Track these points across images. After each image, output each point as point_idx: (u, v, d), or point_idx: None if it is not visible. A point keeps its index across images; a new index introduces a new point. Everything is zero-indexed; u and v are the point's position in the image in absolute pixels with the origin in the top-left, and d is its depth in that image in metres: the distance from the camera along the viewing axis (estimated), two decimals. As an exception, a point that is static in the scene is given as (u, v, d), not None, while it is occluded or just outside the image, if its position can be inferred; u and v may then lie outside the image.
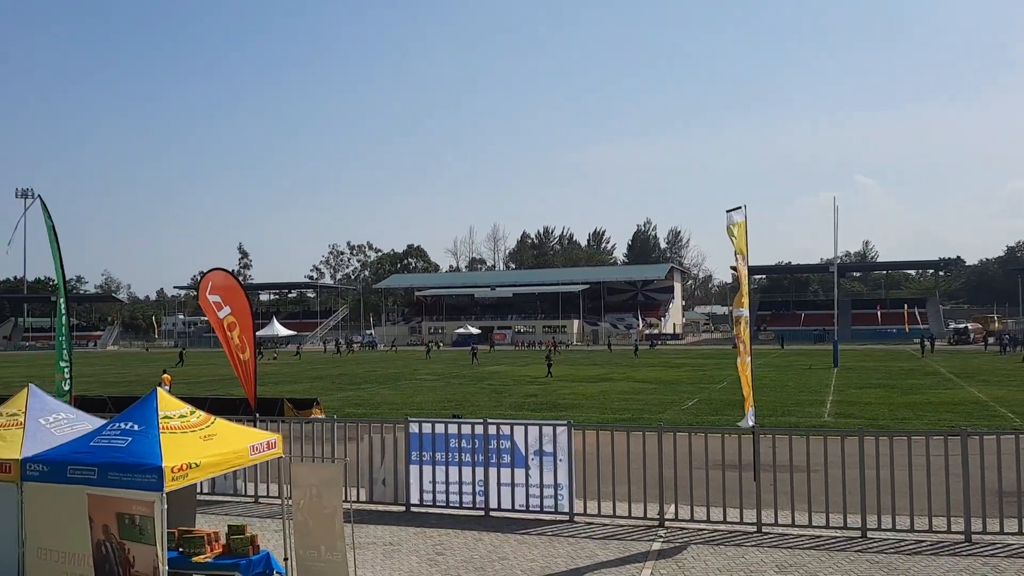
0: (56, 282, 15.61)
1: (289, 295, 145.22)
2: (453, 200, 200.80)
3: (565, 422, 12.99)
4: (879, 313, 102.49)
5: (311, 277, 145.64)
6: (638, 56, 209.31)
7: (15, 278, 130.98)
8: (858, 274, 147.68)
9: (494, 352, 76.23)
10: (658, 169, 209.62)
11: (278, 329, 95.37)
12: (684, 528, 11.94)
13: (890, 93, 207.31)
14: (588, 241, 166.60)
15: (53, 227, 14.92)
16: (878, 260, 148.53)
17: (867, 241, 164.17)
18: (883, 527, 11.35)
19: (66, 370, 14.86)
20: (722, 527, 11.86)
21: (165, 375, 34.36)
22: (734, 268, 12.23)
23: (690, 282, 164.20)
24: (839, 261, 68.47)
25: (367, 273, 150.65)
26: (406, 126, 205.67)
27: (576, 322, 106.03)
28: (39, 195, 15.12)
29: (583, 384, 38.51)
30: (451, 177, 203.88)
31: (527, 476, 12.78)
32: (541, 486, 12.69)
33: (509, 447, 12.92)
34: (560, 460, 12.62)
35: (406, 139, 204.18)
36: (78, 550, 7.55)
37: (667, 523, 12.10)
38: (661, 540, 11.41)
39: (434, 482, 13.25)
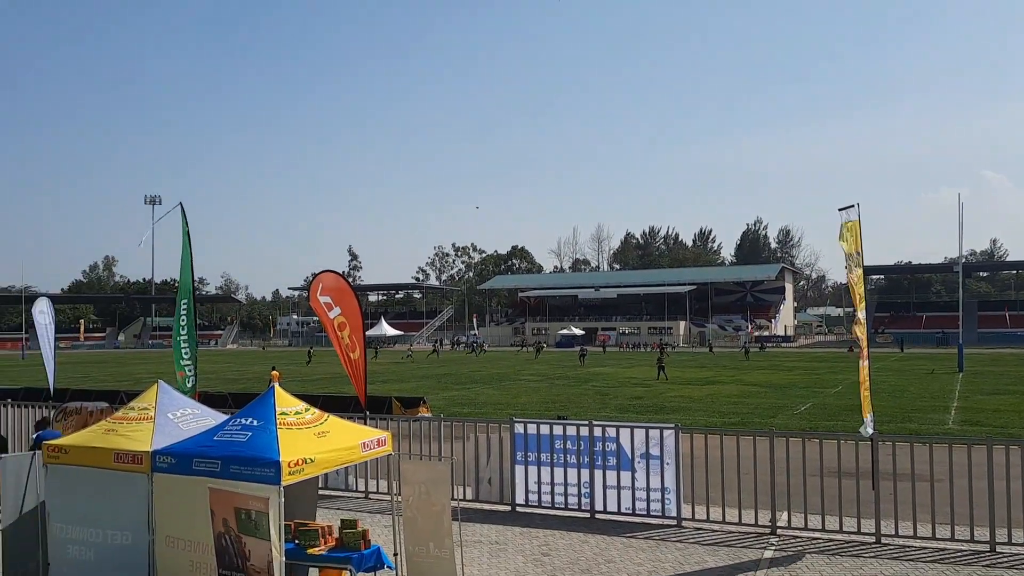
0: (179, 283, 16.38)
1: (396, 296, 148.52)
2: (557, 201, 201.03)
3: (672, 425, 12.79)
4: (1008, 315, 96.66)
5: (417, 278, 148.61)
6: (748, 52, 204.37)
7: (144, 280, 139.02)
8: (985, 274, 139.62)
9: (606, 353, 75.50)
10: (768, 167, 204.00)
11: (386, 329, 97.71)
12: (797, 537, 11.56)
13: (1020, 84, 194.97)
14: (694, 241, 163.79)
15: (188, 232, 15.76)
16: (1007, 259, 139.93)
17: (995, 239, 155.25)
18: (1014, 541, 10.68)
19: (188, 368, 15.62)
20: (838, 537, 11.42)
21: (274, 372, 35.88)
22: (847, 268, 11.72)
23: (802, 283, 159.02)
24: (964, 260, 64.91)
25: (471, 274, 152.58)
26: (509, 127, 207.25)
27: (683, 323, 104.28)
28: (180, 203, 15.96)
29: (690, 387, 37.84)
30: (555, 177, 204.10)
31: (633, 479, 12.65)
32: (647, 489, 12.54)
33: (615, 449, 12.82)
34: (667, 464, 12.43)
35: (509, 140, 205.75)
36: (202, 539, 7.92)
37: (779, 531, 11.74)
38: (773, 548, 11.08)
39: (539, 483, 13.28)
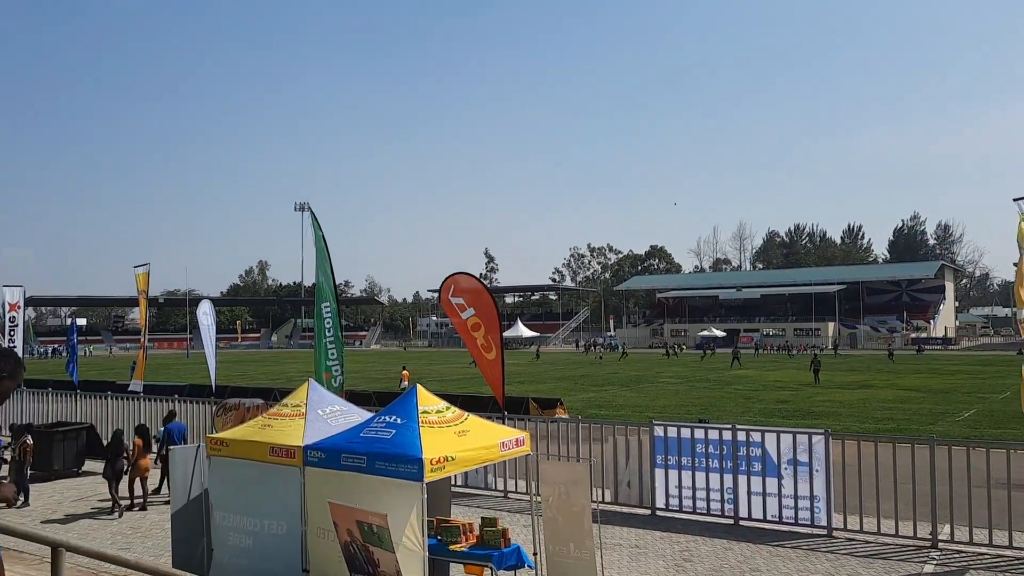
0: (316, 286, 16.75)
1: (532, 297, 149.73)
2: (696, 199, 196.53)
3: (822, 431, 12.22)
4: None
5: (553, 280, 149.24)
6: (900, 36, 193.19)
7: (294, 283, 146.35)
8: None
9: (758, 356, 72.69)
10: (924, 159, 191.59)
11: (522, 330, 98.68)
12: (961, 552, 10.79)
13: None
14: (842, 238, 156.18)
15: (323, 236, 16.38)
16: None
17: None
18: None
19: (334, 369, 16.15)
20: (1007, 553, 10.58)
21: (404, 371, 37.21)
22: (1016, 264, 10.81)
23: (964, 281, 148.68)
24: None
25: (607, 275, 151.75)
26: (645, 125, 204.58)
27: (831, 325, 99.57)
28: (309, 207, 16.67)
29: (840, 391, 36.11)
30: (694, 175, 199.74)
31: (780, 486, 12.18)
32: (795, 497, 12.04)
33: (760, 455, 12.39)
34: (816, 471, 11.90)
35: (646, 138, 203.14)
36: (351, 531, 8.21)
37: (940, 545, 11.00)
38: (934, 563, 10.39)
39: (680, 487, 13.01)
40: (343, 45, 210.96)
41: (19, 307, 24.48)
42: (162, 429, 16.11)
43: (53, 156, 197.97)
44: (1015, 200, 10.66)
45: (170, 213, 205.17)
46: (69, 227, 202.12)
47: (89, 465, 17.94)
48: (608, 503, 13.32)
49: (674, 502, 13.06)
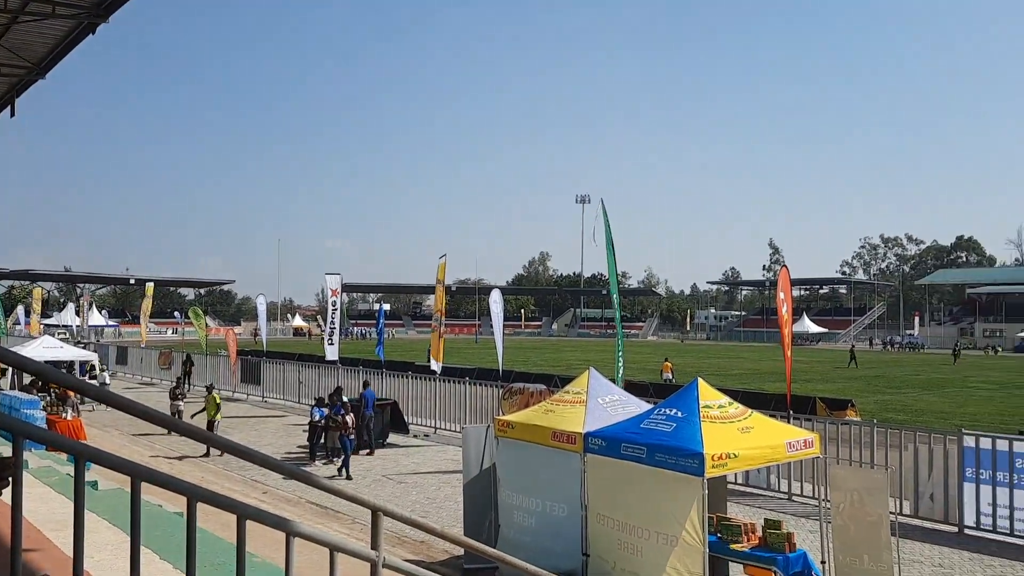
0: (608, 278, 17.32)
1: (820, 291, 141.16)
2: (1013, 183, 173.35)
3: None
4: None
5: (843, 272, 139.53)
6: None
7: (574, 274, 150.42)
8: None
9: None
10: None
11: (808, 326, 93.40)
12: None
13: None
14: None
15: (609, 228, 16.67)
16: None
17: None
18: None
19: (620, 356, 16.47)
20: None
21: (666, 362, 36.84)
22: None
23: None
24: None
25: (905, 268, 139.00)
26: (943, 108, 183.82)
27: None
28: (602, 200, 16.95)
29: None
30: (1008, 152, 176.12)
31: (1122, 514, 10.46)
32: None
33: (1097, 476, 10.72)
34: None
35: (946, 124, 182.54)
36: (628, 520, 8.31)
37: None
38: None
39: (994, 505, 11.62)
40: (614, 41, 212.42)
41: (338, 292, 27.57)
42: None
43: (366, 159, 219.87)
44: None
45: (463, 206, 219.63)
46: (380, 221, 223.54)
47: (393, 438, 19.81)
48: (907, 516, 12.23)
49: (986, 521, 11.69)
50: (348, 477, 15.74)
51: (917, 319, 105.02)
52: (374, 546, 3.64)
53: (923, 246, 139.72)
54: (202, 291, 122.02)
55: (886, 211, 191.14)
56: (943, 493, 12.21)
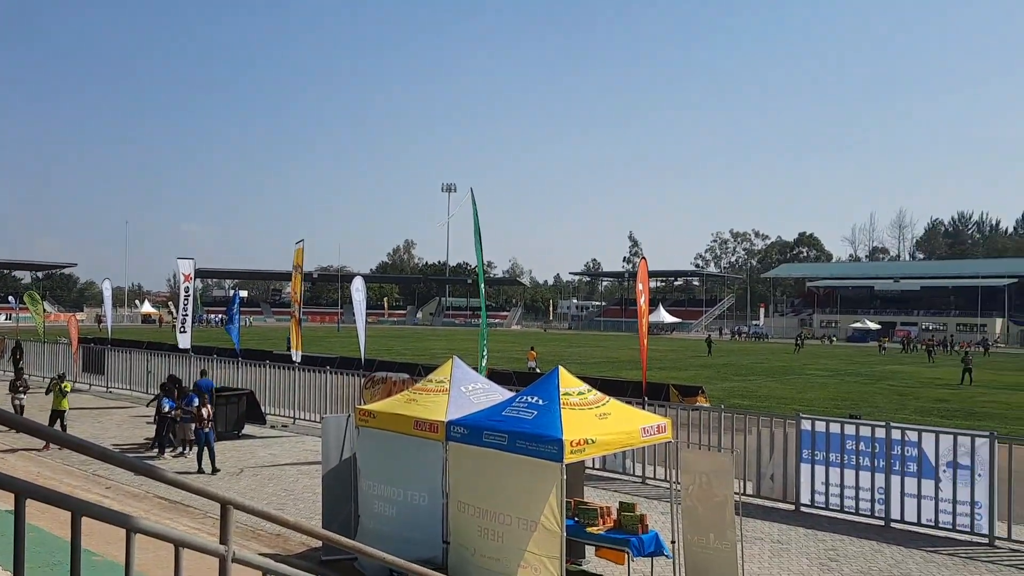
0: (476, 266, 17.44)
1: (675, 283, 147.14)
2: (850, 186, 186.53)
3: (986, 433, 11.43)
4: None
5: (697, 265, 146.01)
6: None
7: (439, 262, 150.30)
8: None
9: (910, 353, 66.79)
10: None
11: (664, 316, 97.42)
12: None
13: None
14: (1015, 228, 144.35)
15: (477, 218, 16.70)
16: None
17: None
18: None
19: (484, 345, 16.61)
20: None
21: (532, 351, 37.88)
22: None
23: None
24: None
25: (753, 262, 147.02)
26: (795, 107, 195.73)
27: (999, 321, 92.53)
28: (471, 189, 16.91)
29: (1007, 392, 33.55)
30: (849, 157, 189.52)
31: (936, 489, 11.49)
32: (953, 502, 11.33)
33: (915, 455, 11.72)
34: (979, 475, 11.14)
35: (795, 119, 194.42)
36: (490, 507, 8.39)
37: (1124, 566, 10.05)
38: (1115, 585, 9.51)
39: (827, 484, 12.50)
40: (482, 36, 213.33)
41: (191, 278, 26.34)
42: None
43: (224, 138, 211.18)
44: None
45: (325, 192, 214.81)
46: (236, 204, 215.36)
47: (249, 429, 19.18)
48: (750, 496, 12.98)
49: (820, 499, 12.57)
50: (215, 471, 15.09)
51: (763, 310, 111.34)
52: (223, 540, 3.50)
53: (768, 241, 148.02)
54: (40, 274, 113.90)
55: (737, 207, 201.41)
56: (783, 473, 13.02)
